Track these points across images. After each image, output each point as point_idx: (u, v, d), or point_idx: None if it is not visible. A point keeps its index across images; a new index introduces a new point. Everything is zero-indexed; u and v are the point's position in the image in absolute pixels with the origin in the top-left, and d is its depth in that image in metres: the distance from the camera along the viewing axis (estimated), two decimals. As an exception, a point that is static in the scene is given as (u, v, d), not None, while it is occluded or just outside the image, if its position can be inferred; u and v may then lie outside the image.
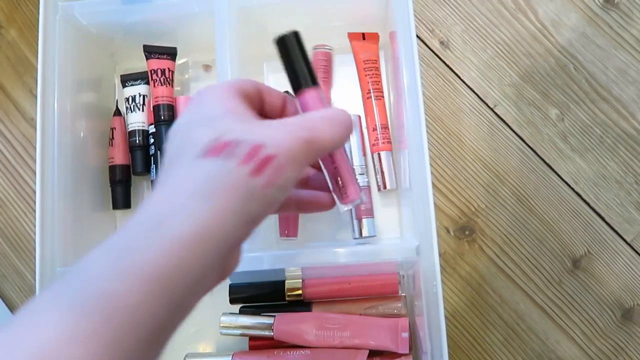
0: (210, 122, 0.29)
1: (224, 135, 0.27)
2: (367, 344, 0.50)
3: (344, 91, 0.61)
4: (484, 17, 0.63)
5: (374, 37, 0.59)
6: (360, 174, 0.57)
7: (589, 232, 0.58)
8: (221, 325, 0.53)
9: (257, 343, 0.54)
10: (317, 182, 0.37)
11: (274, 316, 0.52)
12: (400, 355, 0.50)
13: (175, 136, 0.30)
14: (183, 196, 0.26)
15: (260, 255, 0.49)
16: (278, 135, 0.28)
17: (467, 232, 0.59)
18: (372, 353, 0.51)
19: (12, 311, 0.61)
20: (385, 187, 0.57)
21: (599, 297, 0.57)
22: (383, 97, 0.58)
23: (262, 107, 0.34)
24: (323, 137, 0.29)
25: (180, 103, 0.59)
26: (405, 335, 0.50)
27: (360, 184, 0.56)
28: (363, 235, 0.55)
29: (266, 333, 0.52)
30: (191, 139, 0.28)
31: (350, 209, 0.55)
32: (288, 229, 0.57)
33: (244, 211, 0.27)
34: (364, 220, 0.56)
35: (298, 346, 0.52)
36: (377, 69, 0.59)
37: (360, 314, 0.52)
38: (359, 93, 0.60)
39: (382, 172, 0.57)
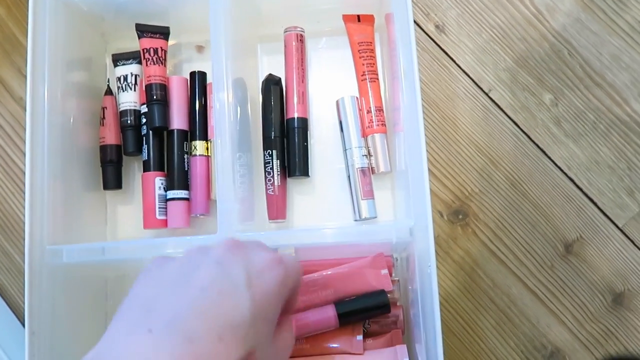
0: (257, 322, 0.31)
1: (257, 349, 0.31)
2: (350, 294, 0.51)
3: (339, 74, 0.61)
4: (480, 1, 0.63)
5: (369, 19, 0.59)
6: (363, 155, 0.56)
7: (582, 217, 0.59)
8: None
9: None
10: None
11: None
12: (391, 329, 0.51)
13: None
14: None
15: (252, 235, 0.49)
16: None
17: (460, 217, 0.59)
18: (367, 334, 0.51)
19: (0, 292, 0.60)
20: (378, 170, 0.57)
21: (590, 281, 0.58)
22: (378, 79, 0.58)
23: None
24: None
25: (172, 83, 0.58)
26: (385, 272, 0.51)
27: (360, 166, 0.56)
28: (363, 216, 0.55)
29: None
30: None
31: (351, 191, 0.56)
32: (277, 211, 0.56)
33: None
34: (364, 202, 0.55)
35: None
36: (372, 51, 0.58)
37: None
38: (353, 75, 0.59)
39: (377, 155, 0.57)
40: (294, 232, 0.54)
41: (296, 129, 0.57)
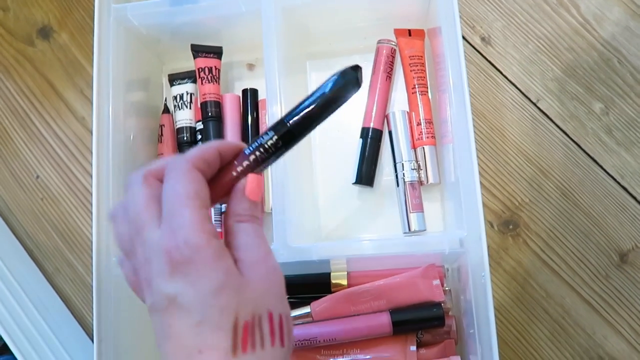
0: (216, 295, 0.29)
1: (238, 314, 0.29)
2: (402, 304, 0.52)
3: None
4: (525, 13, 0.63)
5: (420, 33, 0.60)
6: (412, 169, 0.57)
7: (636, 225, 0.58)
8: None
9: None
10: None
11: (309, 305, 0.53)
12: (444, 340, 0.51)
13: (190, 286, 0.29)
14: None
15: (307, 246, 0.51)
16: (273, 293, 0.31)
17: (511, 227, 0.59)
18: (420, 344, 0.52)
19: (65, 302, 0.63)
20: (427, 182, 0.57)
21: (647, 291, 0.57)
22: (428, 92, 0.59)
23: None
24: None
25: (226, 100, 0.60)
26: (437, 282, 0.51)
27: (410, 180, 0.57)
28: (412, 229, 0.56)
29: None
30: (204, 337, 0.29)
31: (400, 204, 0.57)
32: None
33: None
34: (413, 215, 0.56)
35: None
36: (423, 64, 0.59)
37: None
38: (402, 88, 0.61)
39: (426, 167, 0.57)
40: (347, 244, 0.55)
41: (369, 139, 0.58)
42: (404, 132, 0.58)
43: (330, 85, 0.31)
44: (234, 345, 0.28)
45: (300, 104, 0.32)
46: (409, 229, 0.56)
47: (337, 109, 0.32)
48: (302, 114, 0.31)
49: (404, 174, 0.57)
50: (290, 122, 0.31)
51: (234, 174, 0.32)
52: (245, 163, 0.32)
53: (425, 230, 0.57)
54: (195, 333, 0.28)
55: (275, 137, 0.32)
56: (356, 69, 0.31)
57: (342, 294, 0.53)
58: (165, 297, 0.29)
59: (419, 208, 0.57)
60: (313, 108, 0.31)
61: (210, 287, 0.29)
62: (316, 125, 0.32)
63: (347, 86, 0.31)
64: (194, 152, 0.31)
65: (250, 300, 0.30)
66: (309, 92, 0.32)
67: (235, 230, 0.32)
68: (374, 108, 0.59)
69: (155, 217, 0.30)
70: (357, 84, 0.31)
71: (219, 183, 0.33)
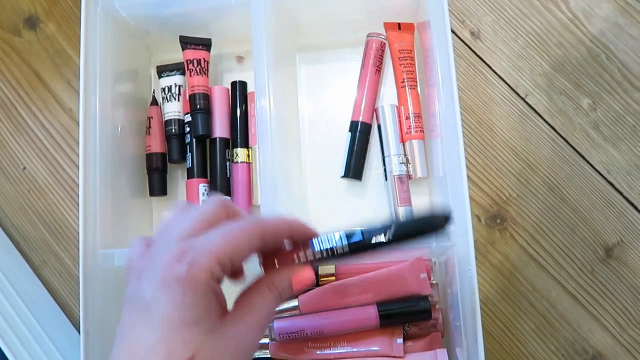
0: (181, 330, 0.30)
1: (197, 353, 0.29)
2: (390, 297, 0.51)
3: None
4: (515, 8, 0.63)
5: (410, 27, 0.60)
6: (401, 163, 0.57)
7: (622, 221, 0.58)
8: None
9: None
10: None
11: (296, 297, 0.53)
12: (431, 332, 0.51)
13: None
14: None
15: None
16: (235, 356, 0.32)
17: (498, 221, 0.59)
18: (406, 337, 0.52)
19: (52, 294, 0.63)
20: (416, 176, 0.58)
21: (632, 286, 0.57)
22: (417, 86, 0.59)
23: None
24: None
25: (215, 92, 0.60)
26: (424, 275, 0.50)
27: (398, 174, 0.57)
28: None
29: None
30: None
31: (389, 198, 0.57)
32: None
33: None
34: (401, 208, 0.56)
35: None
36: (412, 58, 0.59)
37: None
38: (392, 82, 0.61)
39: (414, 161, 0.58)
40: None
41: (358, 133, 0.58)
42: (392, 126, 0.58)
43: (419, 224, 0.35)
44: None
45: (380, 224, 0.34)
46: (397, 223, 0.56)
47: (412, 242, 0.35)
48: (378, 236, 0.34)
49: (392, 167, 0.57)
50: (366, 239, 0.34)
51: (295, 258, 0.35)
52: (310, 257, 0.35)
53: None
54: (150, 347, 0.29)
55: (348, 247, 0.34)
56: (447, 220, 0.34)
57: (329, 286, 0.53)
58: (143, 298, 0.30)
59: (407, 202, 0.57)
60: (391, 237, 0.34)
61: (186, 317, 0.29)
62: (386, 249, 0.35)
63: (431, 230, 0.34)
64: (269, 224, 0.34)
65: (214, 349, 0.30)
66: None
67: (259, 291, 0.34)
68: (363, 102, 0.59)
69: (195, 229, 0.32)
70: (442, 231, 0.35)
71: (276, 252, 0.35)
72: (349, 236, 0.35)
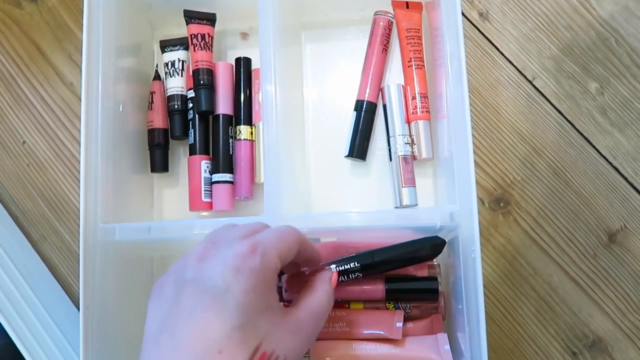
0: (253, 318, 0.32)
1: (264, 341, 0.31)
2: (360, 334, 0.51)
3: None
4: (525, -11, 0.62)
5: (418, 6, 0.59)
6: (406, 143, 0.57)
7: (626, 206, 0.58)
8: None
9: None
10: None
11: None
12: (432, 314, 0.51)
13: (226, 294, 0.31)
14: None
15: (297, 216, 0.50)
16: (298, 349, 0.34)
17: (502, 204, 0.59)
18: (407, 318, 0.52)
19: (50, 270, 0.63)
20: (421, 156, 0.57)
21: (634, 271, 0.57)
22: (424, 66, 0.58)
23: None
24: None
25: (219, 68, 0.59)
26: (400, 325, 0.50)
27: (403, 154, 0.56)
28: (404, 204, 0.56)
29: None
30: (229, 338, 0.30)
31: (393, 178, 0.56)
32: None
33: None
34: (405, 189, 0.56)
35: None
36: (419, 38, 0.58)
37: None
38: (399, 61, 0.60)
39: (419, 141, 0.57)
40: (338, 215, 0.54)
41: (364, 112, 0.58)
42: (398, 106, 0.57)
43: (422, 246, 0.46)
44: None
45: (388, 247, 0.46)
46: (401, 204, 0.56)
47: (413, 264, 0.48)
48: (387, 255, 0.45)
49: (397, 148, 0.57)
50: (375, 259, 0.45)
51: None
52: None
53: (417, 205, 0.56)
54: (226, 334, 0.30)
55: (359, 270, 0.44)
56: (442, 246, 0.46)
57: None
58: (214, 285, 0.31)
59: (412, 182, 0.56)
60: (398, 259, 0.46)
61: (257, 305, 0.32)
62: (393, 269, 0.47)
63: (433, 253, 0.46)
64: (304, 236, 0.39)
65: (278, 339, 0.32)
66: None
67: (318, 279, 0.39)
68: (369, 81, 0.58)
69: (253, 231, 0.36)
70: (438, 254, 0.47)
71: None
72: (359, 257, 0.45)
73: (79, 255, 0.50)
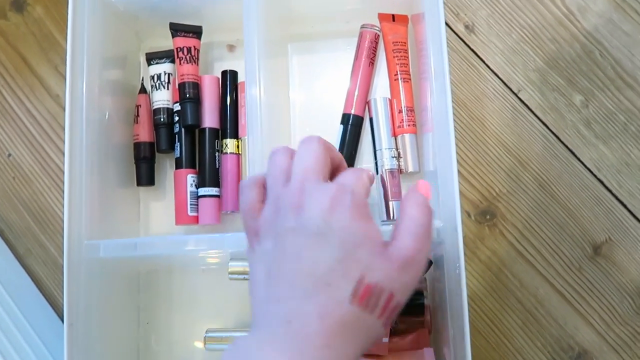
0: (354, 251, 0.32)
1: (366, 278, 0.32)
2: None
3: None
4: (510, 1, 0.62)
5: (404, 19, 0.59)
6: (392, 157, 0.57)
7: (611, 219, 0.58)
8: (230, 271, 0.53)
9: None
10: None
11: None
12: (418, 329, 0.51)
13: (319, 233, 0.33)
14: (347, 343, 0.31)
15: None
16: (404, 282, 0.33)
17: (488, 217, 0.59)
18: (394, 332, 0.52)
19: (36, 284, 0.62)
20: (407, 170, 0.57)
21: (619, 284, 0.57)
22: (410, 79, 0.58)
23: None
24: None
25: (205, 81, 0.59)
26: (386, 340, 0.50)
27: (390, 168, 0.57)
28: (391, 217, 0.56)
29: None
30: (335, 270, 0.32)
31: (380, 192, 0.56)
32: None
33: (366, 345, 0.33)
34: (392, 203, 0.56)
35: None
36: (406, 51, 0.59)
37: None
38: (385, 74, 0.60)
39: (406, 155, 0.57)
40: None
41: (350, 126, 0.58)
42: (384, 119, 0.57)
43: None
44: (354, 294, 0.31)
45: None
46: (388, 217, 0.56)
47: None
48: None
49: (383, 161, 0.57)
50: None
51: None
52: None
53: None
54: (330, 267, 0.32)
55: None
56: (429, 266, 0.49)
57: None
58: (315, 225, 0.32)
59: (398, 196, 0.57)
60: None
61: (356, 238, 0.33)
62: None
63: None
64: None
65: (381, 270, 0.32)
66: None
67: (409, 199, 0.35)
68: (356, 94, 0.58)
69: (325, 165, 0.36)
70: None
71: None
72: None
73: (63, 271, 0.49)
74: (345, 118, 0.59)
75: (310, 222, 0.33)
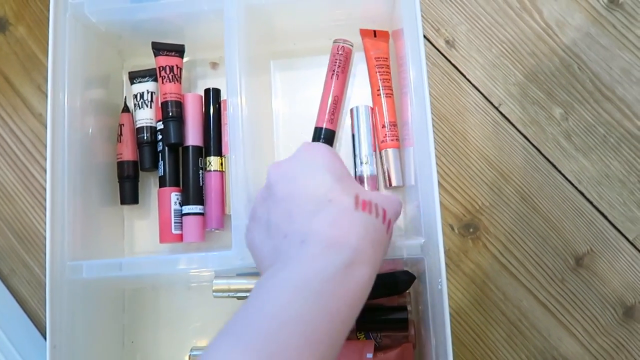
0: (343, 180, 0.38)
1: (360, 195, 0.37)
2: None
3: (354, 87, 0.62)
4: (489, 17, 0.63)
5: (385, 35, 0.60)
6: (365, 163, 0.57)
7: (592, 230, 0.59)
8: (214, 289, 0.53)
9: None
10: None
11: None
12: (402, 343, 0.51)
13: (309, 176, 0.38)
14: (365, 241, 0.35)
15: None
16: (391, 205, 0.39)
17: (471, 230, 0.60)
18: (378, 347, 0.52)
19: (20, 304, 0.62)
20: (391, 184, 0.58)
21: (601, 294, 0.58)
22: (392, 94, 0.59)
23: None
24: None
25: (188, 100, 0.59)
26: (370, 355, 0.50)
27: (370, 174, 0.57)
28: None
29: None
30: (333, 190, 0.37)
31: None
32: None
33: (383, 258, 0.38)
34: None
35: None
36: (388, 66, 0.59)
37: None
38: (368, 89, 0.60)
39: (389, 169, 0.58)
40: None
41: (321, 140, 0.59)
42: (365, 127, 0.58)
43: (391, 280, 0.51)
44: (356, 203, 0.36)
45: None
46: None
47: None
48: None
49: (362, 168, 0.57)
50: None
51: None
52: None
53: None
54: (328, 188, 0.36)
55: None
56: (412, 281, 0.51)
57: None
58: (312, 162, 0.39)
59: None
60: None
61: (346, 172, 0.39)
62: None
63: (403, 287, 0.51)
64: None
65: (369, 194, 0.37)
66: None
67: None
68: (327, 108, 0.59)
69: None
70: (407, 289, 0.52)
71: None
72: None
73: (46, 292, 0.49)
74: (317, 132, 0.59)
75: (303, 160, 0.39)
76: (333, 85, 0.59)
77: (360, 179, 0.58)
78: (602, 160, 0.60)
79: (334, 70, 0.59)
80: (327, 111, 0.59)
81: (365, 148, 0.58)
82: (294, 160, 0.40)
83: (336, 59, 0.60)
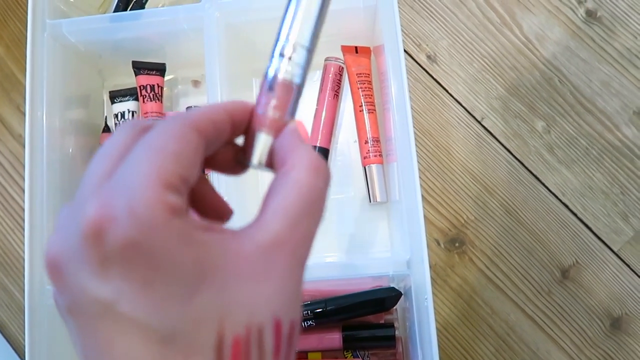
0: (186, 299, 0.19)
1: (225, 319, 0.20)
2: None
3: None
4: (470, 32, 0.64)
5: (366, 51, 0.60)
6: (288, 58, 0.39)
7: (577, 242, 0.59)
8: None
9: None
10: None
11: None
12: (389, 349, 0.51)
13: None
14: None
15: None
16: (282, 297, 0.21)
17: (457, 244, 0.59)
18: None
19: (0, 330, 0.60)
20: (375, 200, 0.57)
21: (587, 306, 0.58)
22: (375, 110, 0.59)
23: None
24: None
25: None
26: None
27: (287, 79, 0.31)
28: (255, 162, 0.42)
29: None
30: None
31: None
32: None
33: None
34: (263, 136, 0.48)
35: None
36: (370, 82, 0.59)
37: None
38: (350, 106, 0.60)
39: (373, 185, 0.57)
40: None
41: None
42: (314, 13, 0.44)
43: (377, 297, 0.50)
44: None
45: (342, 296, 0.50)
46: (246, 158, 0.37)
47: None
48: (339, 304, 0.50)
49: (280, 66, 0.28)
50: (327, 308, 0.50)
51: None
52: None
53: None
54: (157, 356, 0.19)
55: (312, 318, 0.50)
56: (399, 295, 0.50)
57: None
58: (94, 302, 0.19)
59: (277, 131, 0.49)
60: (350, 309, 0.50)
61: (177, 287, 0.19)
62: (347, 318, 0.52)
63: (388, 304, 0.50)
64: (199, 114, 0.22)
65: (246, 301, 0.20)
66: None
67: (283, 175, 0.23)
68: (321, 127, 0.59)
69: (111, 167, 0.21)
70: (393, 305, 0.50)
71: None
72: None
73: (24, 317, 0.48)
74: (311, 150, 0.59)
75: (81, 299, 0.20)
76: (329, 104, 0.59)
77: (269, 86, 0.28)
78: (585, 172, 0.60)
79: (334, 90, 0.59)
80: (321, 130, 0.59)
81: (301, 34, 0.27)
82: None
83: (334, 78, 0.59)
